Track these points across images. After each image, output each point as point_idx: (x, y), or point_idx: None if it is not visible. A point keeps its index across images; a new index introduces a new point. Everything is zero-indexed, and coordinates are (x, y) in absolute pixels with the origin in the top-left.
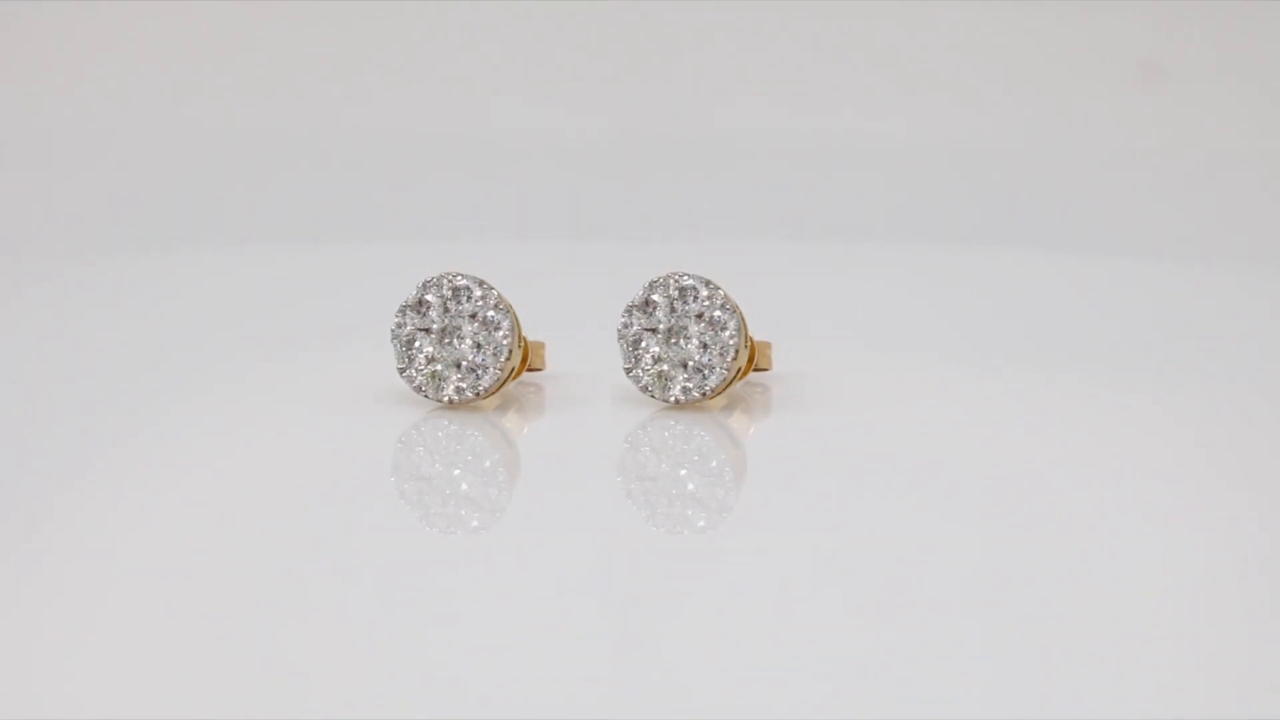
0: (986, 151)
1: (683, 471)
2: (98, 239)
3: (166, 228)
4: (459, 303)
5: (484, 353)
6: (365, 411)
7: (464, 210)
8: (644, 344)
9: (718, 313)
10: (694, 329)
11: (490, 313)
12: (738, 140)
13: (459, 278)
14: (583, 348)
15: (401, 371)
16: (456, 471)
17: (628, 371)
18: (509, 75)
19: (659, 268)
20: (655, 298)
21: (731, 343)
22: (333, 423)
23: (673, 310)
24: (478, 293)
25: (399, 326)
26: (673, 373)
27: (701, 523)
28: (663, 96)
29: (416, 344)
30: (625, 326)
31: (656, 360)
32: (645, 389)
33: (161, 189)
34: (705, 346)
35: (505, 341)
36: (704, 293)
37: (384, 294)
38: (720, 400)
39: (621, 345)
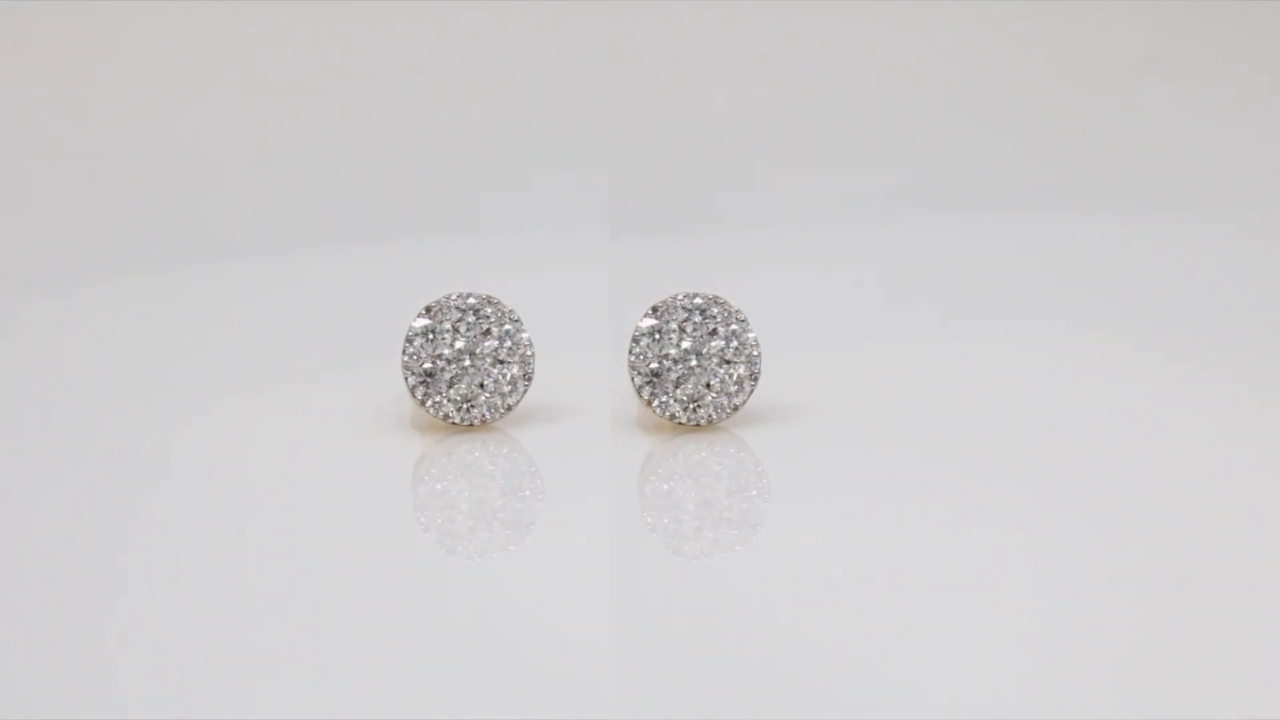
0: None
1: (721, 489)
2: (75, 263)
3: (142, 248)
4: (470, 323)
5: (509, 368)
6: (384, 436)
7: (439, 209)
8: (662, 371)
9: (734, 326)
10: (713, 347)
11: (507, 326)
12: (725, 131)
13: (468, 298)
14: (572, 351)
15: (423, 402)
16: (490, 493)
17: (648, 403)
18: (487, 72)
19: (635, 266)
20: (663, 323)
21: (756, 354)
22: (347, 449)
23: (683, 333)
24: (488, 310)
25: (413, 358)
26: (698, 394)
27: (755, 536)
28: (646, 91)
29: (435, 372)
30: (639, 358)
31: (678, 384)
32: (673, 417)
33: (139, 207)
34: (728, 362)
35: (530, 354)
36: (715, 310)
37: (370, 303)
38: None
39: (635, 377)
